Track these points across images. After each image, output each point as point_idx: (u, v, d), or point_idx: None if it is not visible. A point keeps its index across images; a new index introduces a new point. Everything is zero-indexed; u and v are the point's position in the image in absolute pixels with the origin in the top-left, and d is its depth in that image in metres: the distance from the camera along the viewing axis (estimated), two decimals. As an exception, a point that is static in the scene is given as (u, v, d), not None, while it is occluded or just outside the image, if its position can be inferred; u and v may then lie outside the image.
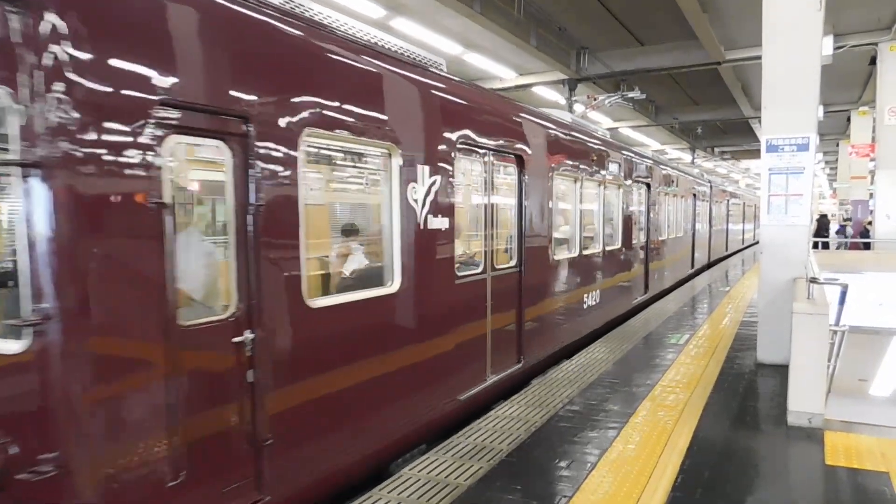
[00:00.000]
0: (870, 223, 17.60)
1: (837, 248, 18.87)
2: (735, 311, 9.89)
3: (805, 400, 4.75)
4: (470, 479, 3.84)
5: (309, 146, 3.73)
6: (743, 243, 26.99)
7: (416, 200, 4.50)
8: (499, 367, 5.82)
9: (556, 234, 7.20)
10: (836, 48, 13.45)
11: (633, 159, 10.29)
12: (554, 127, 7.11)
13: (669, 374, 6.14)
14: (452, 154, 4.96)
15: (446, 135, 4.90)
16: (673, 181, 13.30)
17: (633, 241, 10.27)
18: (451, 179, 4.93)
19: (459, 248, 5.49)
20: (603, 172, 8.69)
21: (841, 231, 20.02)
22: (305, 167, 3.62)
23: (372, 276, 4.52)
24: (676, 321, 9.03)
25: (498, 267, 5.80)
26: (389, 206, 4.37)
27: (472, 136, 5.27)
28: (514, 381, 6.14)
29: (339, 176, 5.82)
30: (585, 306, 8.11)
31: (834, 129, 27.89)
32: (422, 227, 4.58)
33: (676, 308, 10.19)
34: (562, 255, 7.44)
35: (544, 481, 3.81)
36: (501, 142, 5.79)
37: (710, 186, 18.02)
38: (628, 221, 9.86)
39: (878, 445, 4.34)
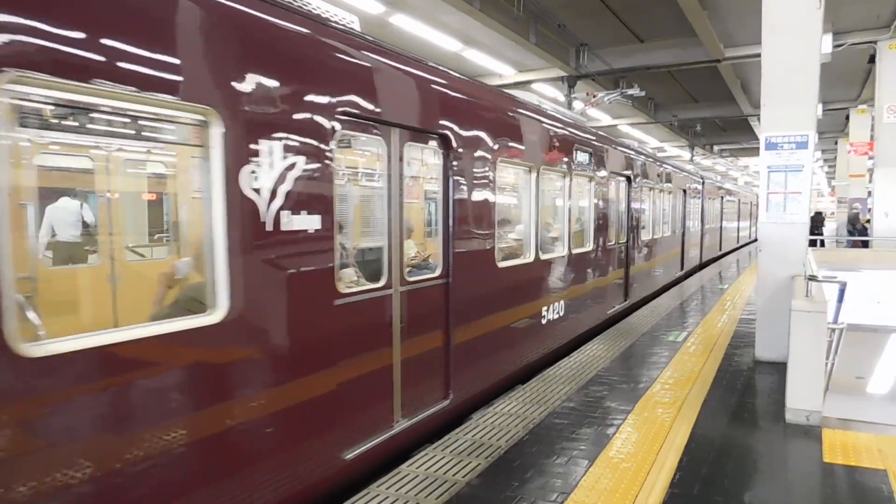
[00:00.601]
0: (868, 221, 17.61)
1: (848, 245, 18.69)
2: (733, 308, 9.91)
3: (803, 397, 4.76)
4: (468, 476, 3.84)
5: (24, 100, 2.47)
6: (738, 242, 26.65)
7: (258, 190, 3.17)
8: (415, 408, 4.57)
9: (502, 236, 6.15)
10: (835, 46, 13.42)
11: (609, 148, 9.05)
12: (498, 102, 5.81)
13: (667, 372, 6.15)
14: (330, 128, 3.65)
15: (318, 101, 3.58)
16: (659, 175, 12.25)
17: (610, 242, 9.15)
18: (327, 162, 3.62)
19: (352, 256, 4.38)
20: (569, 161, 7.40)
21: (852, 232, 19.48)
22: (18, 133, 2.57)
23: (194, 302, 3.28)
24: (674, 319, 9.04)
25: (411, 279, 4.56)
26: (209, 198, 2.99)
27: (366, 105, 3.96)
28: (441, 420, 4.94)
29: (111, 152, 4.37)
30: (545, 321, 6.85)
31: (833, 127, 27.89)
32: (270, 227, 3.25)
33: (674, 306, 10.20)
34: (511, 260, 6.25)
35: (542, 478, 3.81)
36: (416, 116, 4.53)
37: (703, 182, 17.38)
38: (603, 219, 8.76)
39: (876, 443, 4.35)
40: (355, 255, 5.50)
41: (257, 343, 3.25)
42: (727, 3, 12.93)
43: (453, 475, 3.85)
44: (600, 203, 8.62)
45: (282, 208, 3.33)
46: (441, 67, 5.03)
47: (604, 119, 25.36)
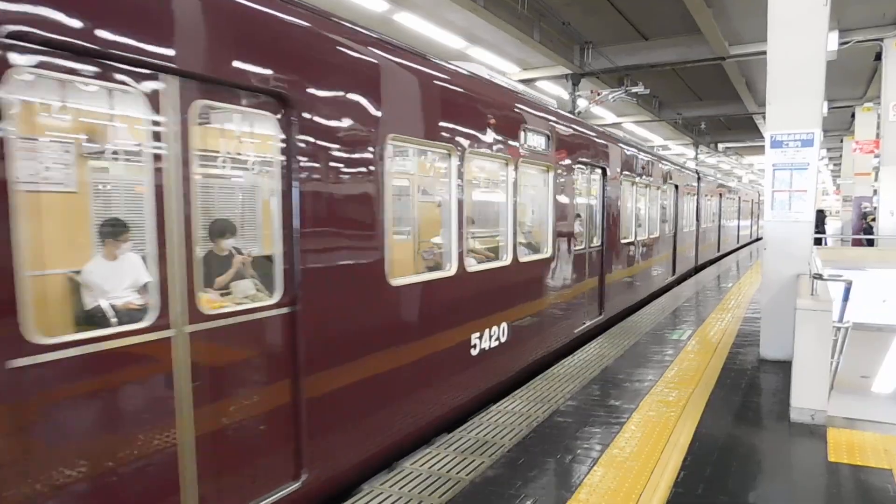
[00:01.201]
0: (873, 219, 17.55)
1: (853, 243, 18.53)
2: (737, 307, 9.88)
3: (808, 396, 4.75)
4: (472, 474, 3.84)
5: None
6: (738, 242, 25.75)
7: None
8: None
9: (400, 244, 4.83)
10: (841, 44, 13.34)
11: (578, 132, 7.56)
12: (393, 56, 4.18)
13: (671, 370, 6.13)
14: (7, 62, 2.20)
15: None
16: (644, 168, 10.75)
17: (578, 246, 7.69)
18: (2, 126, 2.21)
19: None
20: (514, 145, 5.86)
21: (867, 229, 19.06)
22: None
23: None
24: (678, 318, 9.03)
25: (218, 311, 3.03)
26: None
27: (91, 27, 2.42)
28: None
29: None
30: (476, 352, 5.34)
31: (838, 126, 27.80)
32: None
33: (678, 306, 10.18)
34: (418, 276, 4.99)
35: (546, 477, 3.81)
36: (221, 60, 2.96)
37: (699, 178, 16.26)
38: (567, 219, 7.24)
39: (881, 442, 4.33)
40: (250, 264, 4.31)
41: None
42: (732, 1, 12.89)
43: (457, 473, 3.85)
44: (563, 199, 7.12)
45: None
46: None
47: (608, 117, 25.33)
